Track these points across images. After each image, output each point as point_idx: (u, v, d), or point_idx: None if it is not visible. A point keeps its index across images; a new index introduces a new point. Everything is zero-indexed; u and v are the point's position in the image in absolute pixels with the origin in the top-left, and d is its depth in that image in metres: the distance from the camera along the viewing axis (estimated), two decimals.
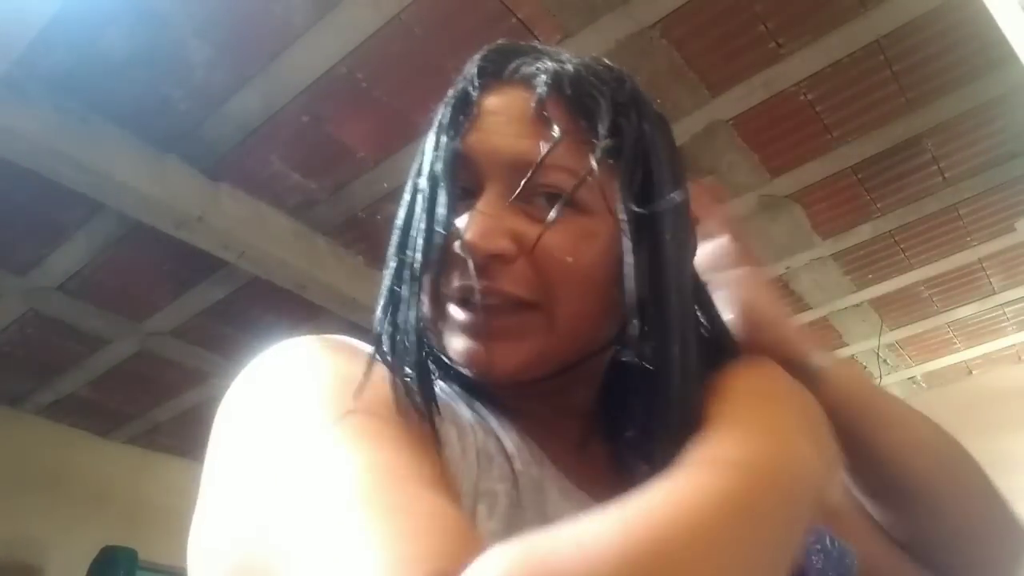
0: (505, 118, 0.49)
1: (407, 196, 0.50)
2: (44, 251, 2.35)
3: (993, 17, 1.44)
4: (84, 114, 1.84)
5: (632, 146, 0.48)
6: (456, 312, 0.47)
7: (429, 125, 0.52)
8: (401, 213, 0.50)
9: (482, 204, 0.47)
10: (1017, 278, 2.94)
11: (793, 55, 1.90)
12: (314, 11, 1.68)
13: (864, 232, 2.61)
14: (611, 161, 0.47)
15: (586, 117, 0.48)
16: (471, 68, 0.51)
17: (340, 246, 2.38)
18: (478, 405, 0.50)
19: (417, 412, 0.41)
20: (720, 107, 2.04)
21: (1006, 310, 3.17)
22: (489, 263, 0.45)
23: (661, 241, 0.48)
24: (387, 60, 1.78)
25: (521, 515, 0.43)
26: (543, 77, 0.49)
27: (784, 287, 2.90)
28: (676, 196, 0.49)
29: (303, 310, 2.59)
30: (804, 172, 2.31)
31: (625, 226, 0.47)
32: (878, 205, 2.49)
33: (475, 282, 0.45)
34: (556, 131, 0.47)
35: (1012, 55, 1.57)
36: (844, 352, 3.41)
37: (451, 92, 0.52)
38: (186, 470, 3.78)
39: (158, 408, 3.37)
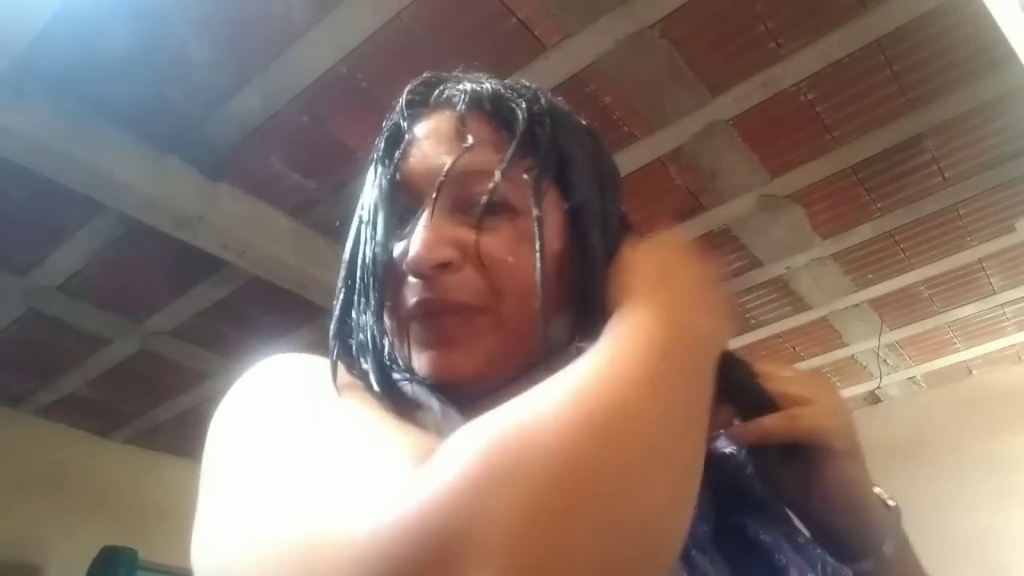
0: (434, 140, 0.53)
1: (352, 230, 0.55)
2: (44, 251, 2.35)
3: (993, 17, 1.44)
4: (84, 114, 1.84)
5: (546, 150, 0.51)
6: (416, 328, 0.50)
7: (368, 160, 0.56)
8: (348, 246, 0.55)
9: (423, 220, 0.50)
10: (1017, 278, 2.94)
11: (793, 55, 1.90)
12: (314, 11, 1.68)
13: (864, 232, 2.61)
14: (532, 165, 0.51)
15: (506, 128, 0.52)
16: (400, 101, 0.56)
17: (340, 246, 2.37)
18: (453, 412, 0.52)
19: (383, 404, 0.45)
20: (720, 107, 2.04)
21: (1006, 310, 3.17)
22: (437, 274, 0.48)
23: (585, 238, 0.52)
24: (387, 60, 1.78)
25: None
26: (462, 96, 0.54)
27: (784, 287, 2.90)
28: (591, 196, 0.54)
29: (303, 310, 2.59)
30: (804, 172, 2.31)
31: (535, 225, 0.49)
32: (878, 205, 2.49)
33: (426, 293, 0.49)
34: (470, 140, 0.50)
35: (1012, 55, 1.57)
36: (844, 352, 3.41)
37: (384, 125, 0.56)
38: (186, 470, 3.76)
39: (158, 408, 3.37)
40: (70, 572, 3.02)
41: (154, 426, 3.49)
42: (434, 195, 0.50)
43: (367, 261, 0.52)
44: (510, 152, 0.50)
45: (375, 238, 0.52)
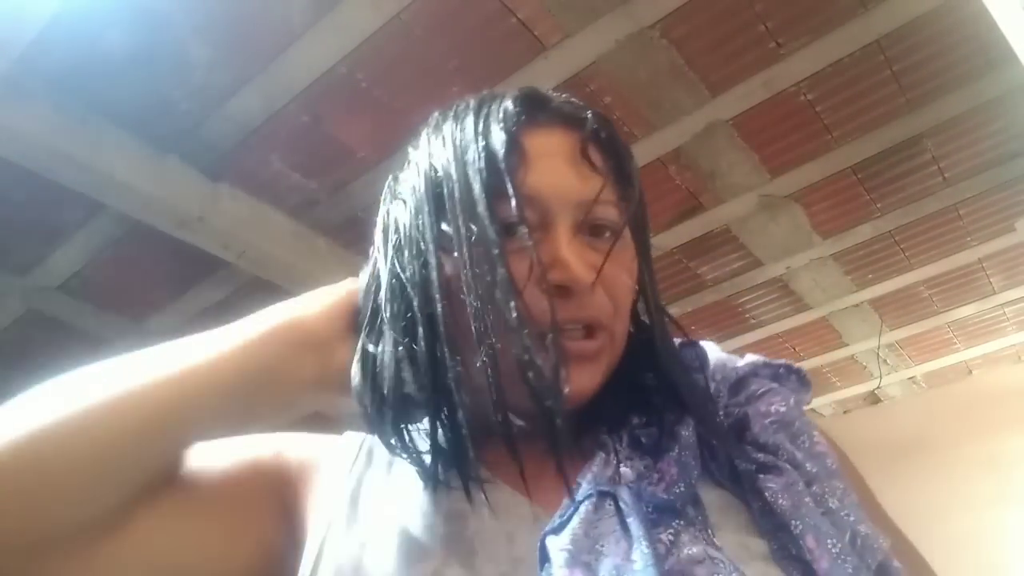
0: (560, 159, 0.53)
1: (464, 243, 0.49)
2: (44, 251, 2.35)
3: (993, 17, 1.44)
4: (84, 114, 1.84)
5: (634, 180, 0.56)
6: (547, 346, 0.48)
7: (449, 162, 0.52)
8: (463, 258, 0.49)
9: (565, 240, 0.51)
10: (1017, 278, 2.94)
11: (793, 55, 1.90)
12: (314, 11, 1.68)
13: (864, 232, 2.61)
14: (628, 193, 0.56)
15: (612, 156, 0.56)
16: (508, 108, 0.53)
17: (340, 246, 2.38)
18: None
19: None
20: (720, 107, 2.04)
21: (1006, 310, 3.17)
22: (584, 293, 0.51)
23: (649, 259, 0.58)
24: (387, 60, 1.78)
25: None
26: (588, 120, 0.55)
27: (784, 287, 2.90)
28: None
29: None
30: (804, 172, 2.31)
31: (643, 249, 0.57)
32: (878, 205, 2.49)
33: (578, 311, 0.51)
34: (601, 170, 0.54)
35: (1012, 55, 1.57)
36: (844, 352, 3.41)
37: (476, 131, 0.52)
38: None
39: None
40: None
41: None
42: (573, 216, 0.52)
43: (474, 271, 0.48)
44: (636, 192, 0.55)
45: (484, 250, 0.48)
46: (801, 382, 0.59)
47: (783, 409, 0.53)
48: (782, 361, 0.59)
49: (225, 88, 1.85)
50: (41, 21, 1.59)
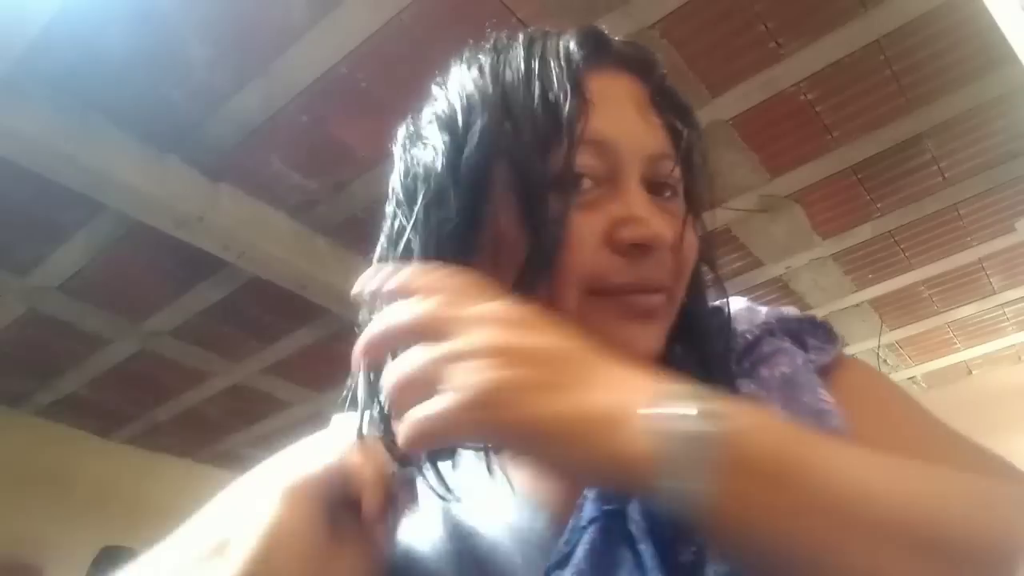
0: (630, 106, 0.48)
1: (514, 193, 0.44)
2: (44, 251, 2.35)
3: (993, 17, 1.44)
4: (84, 114, 1.84)
5: (694, 138, 0.50)
6: (618, 304, 0.46)
7: (497, 100, 0.47)
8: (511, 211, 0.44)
9: (639, 194, 0.46)
10: (1017, 278, 2.94)
11: (793, 55, 1.90)
12: (314, 11, 1.68)
13: (864, 232, 2.61)
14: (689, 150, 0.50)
15: (673, 109, 0.50)
16: (570, 47, 0.48)
17: (340, 246, 2.38)
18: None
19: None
20: (720, 107, 2.04)
21: (1006, 310, 3.17)
22: (662, 252, 0.46)
23: (705, 224, 0.52)
24: (387, 60, 1.78)
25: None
26: (657, 66, 0.50)
27: (784, 287, 2.90)
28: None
29: (303, 310, 2.59)
30: (804, 172, 2.31)
31: (699, 211, 0.50)
32: (878, 205, 2.49)
33: (654, 271, 0.46)
34: (669, 123, 0.48)
35: (1012, 55, 1.57)
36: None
37: (531, 68, 0.47)
38: (186, 470, 3.78)
39: (158, 408, 3.37)
40: (70, 572, 3.02)
41: (154, 426, 3.49)
42: (642, 169, 0.47)
43: (544, 220, 0.43)
44: (689, 141, 0.49)
45: (550, 201, 0.43)
46: (828, 337, 0.53)
47: (787, 371, 0.48)
48: (808, 315, 0.53)
49: (225, 88, 1.85)
50: (41, 21, 1.59)
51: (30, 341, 2.80)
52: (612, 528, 0.42)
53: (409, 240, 0.48)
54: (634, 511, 0.42)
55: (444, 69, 0.55)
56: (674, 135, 0.49)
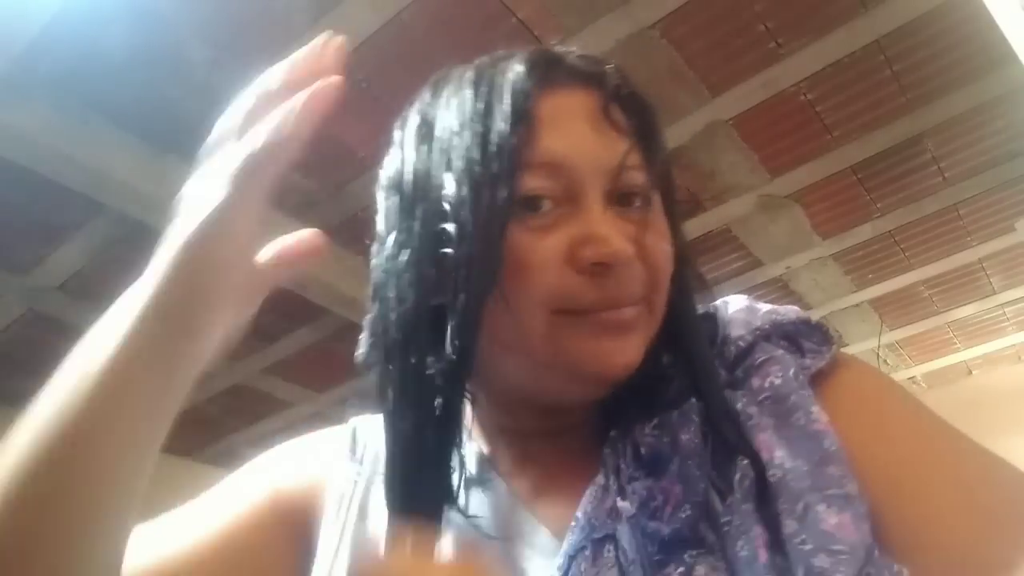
0: (582, 122, 0.47)
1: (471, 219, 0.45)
2: (44, 251, 2.35)
3: (993, 17, 1.44)
4: (84, 114, 1.83)
5: (662, 142, 0.50)
6: (589, 324, 0.46)
7: (452, 131, 0.48)
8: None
9: (598, 212, 0.46)
10: (1017, 278, 2.94)
11: (793, 55, 1.90)
12: (314, 11, 1.68)
13: (864, 232, 2.61)
14: (656, 157, 0.50)
15: (635, 116, 0.49)
16: (519, 71, 0.47)
17: (340, 246, 2.37)
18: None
19: None
20: (720, 107, 2.04)
21: (1006, 310, 3.17)
22: (625, 268, 0.45)
23: (679, 224, 0.52)
24: (387, 60, 1.78)
25: None
26: (608, 76, 0.49)
27: (784, 287, 2.90)
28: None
29: (303, 310, 2.59)
30: (804, 172, 2.31)
31: (674, 213, 0.50)
32: (878, 205, 2.49)
33: (620, 287, 0.45)
34: (627, 132, 0.48)
35: (1012, 55, 1.57)
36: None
37: (481, 93, 0.47)
38: (186, 470, 3.78)
39: None
40: None
41: None
42: (602, 184, 0.46)
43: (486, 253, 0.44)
44: (653, 144, 0.49)
45: (495, 229, 0.44)
46: (824, 339, 0.51)
47: (778, 382, 0.47)
48: (804, 317, 0.52)
49: (225, 88, 1.85)
50: (41, 21, 1.59)
51: (30, 341, 2.80)
52: (601, 552, 0.42)
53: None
54: (623, 536, 0.42)
55: (443, 68, 0.55)
56: (640, 140, 0.48)
